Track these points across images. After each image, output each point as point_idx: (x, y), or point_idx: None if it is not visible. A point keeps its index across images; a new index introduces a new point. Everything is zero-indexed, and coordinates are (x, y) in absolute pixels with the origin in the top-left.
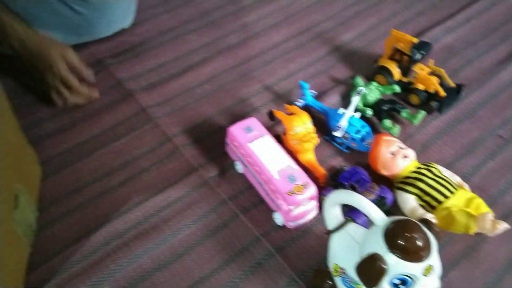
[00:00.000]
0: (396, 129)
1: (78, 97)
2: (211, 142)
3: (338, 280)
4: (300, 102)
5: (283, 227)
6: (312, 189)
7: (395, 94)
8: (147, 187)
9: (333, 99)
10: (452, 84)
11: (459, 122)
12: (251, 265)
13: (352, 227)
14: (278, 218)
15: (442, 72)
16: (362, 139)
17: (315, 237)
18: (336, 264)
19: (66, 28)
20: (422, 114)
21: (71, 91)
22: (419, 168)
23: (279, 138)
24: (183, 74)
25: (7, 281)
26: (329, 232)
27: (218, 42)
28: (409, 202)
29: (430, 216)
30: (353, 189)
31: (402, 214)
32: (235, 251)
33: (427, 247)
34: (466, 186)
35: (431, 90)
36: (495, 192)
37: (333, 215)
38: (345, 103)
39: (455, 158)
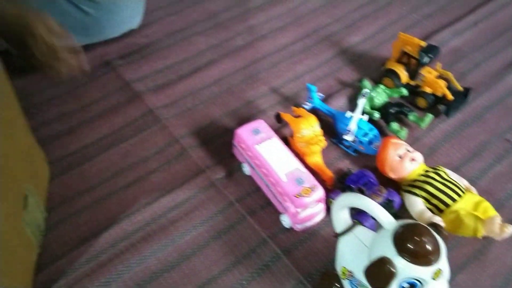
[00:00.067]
0: (404, 132)
1: (66, 66)
2: (218, 144)
3: (346, 283)
4: (308, 105)
5: (291, 230)
6: (320, 192)
7: (402, 97)
8: (155, 188)
9: (340, 102)
10: (459, 87)
11: (467, 126)
12: (259, 267)
13: (360, 230)
14: (286, 221)
15: (450, 75)
16: (370, 142)
17: (322, 240)
18: (344, 267)
19: (74, 29)
20: (429, 117)
21: (58, 61)
22: (426, 171)
23: (286, 141)
24: (190, 75)
25: (16, 281)
26: (337, 235)
27: (225, 44)
28: (417, 205)
29: (438, 220)
30: (361, 192)
31: (410, 217)
32: (243, 253)
33: (436, 251)
34: (473, 189)
35: (439, 94)
36: (502, 196)
37: (341, 218)
38: (352, 106)
39: (462, 161)
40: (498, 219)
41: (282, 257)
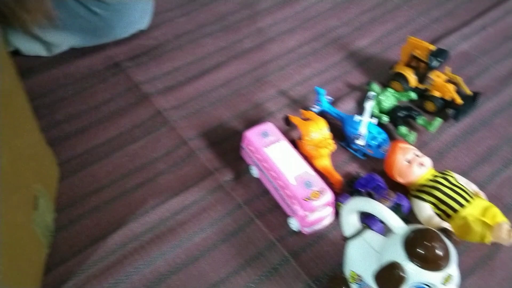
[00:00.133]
0: (412, 136)
1: (36, 15)
2: (227, 146)
3: (354, 287)
4: (316, 108)
5: (299, 233)
6: (329, 196)
7: (410, 100)
8: (163, 190)
9: (348, 105)
10: (468, 91)
11: (475, 130)
12: (267, 270)
13: (369, 234)
14: (294, 224)
15: (459, 79)
16: (378, 146)
17: (330, 243)
18: (353, 271)
19: (84, 30)
20: (438, 121)
21: (28, 11)
22: (435, 176)
23: (294, 143)
24: (198, 77)
25: (26, 282)
26: (346, 239)
27: (233, 46)
28: (425, 210)
29: (446, 225)
30: (370, 196)
31: (418, 222)
32: (251, 255)
33: (446, 256)
34: (482, 194)
35: (447, 98)
36: (510, 201)
37: (351, 222)
38: (361, 109)
39: (471, 166)
40: (506, 225)
41: (290, 260)
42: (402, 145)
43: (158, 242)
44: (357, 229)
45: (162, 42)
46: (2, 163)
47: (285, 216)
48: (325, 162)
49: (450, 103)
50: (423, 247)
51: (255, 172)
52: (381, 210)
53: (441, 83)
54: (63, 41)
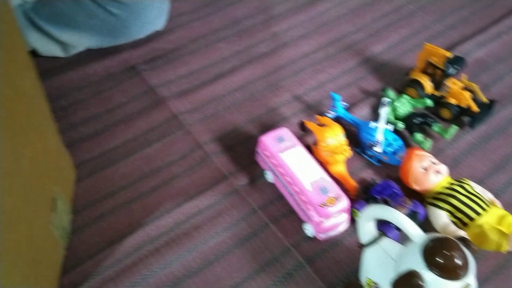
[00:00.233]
0: (428, 143)
1: None
2: (241, 150)
3: None
4: (331, 114)
5: (313, 239)
6: (344, 202)
7: (426, 107)
8: (178, 193)
9: (363, 111)
10: (484, 99)
11: (491, 138)
12: (281, 276)
13: (386, 242)
14: (309, 229)
15: (475, 87)
16: (394, 153)
17: (345, 250)
18: (369, 279)
19: (100, 30)
20: (454, 128)
21: None
22: (451, 184)
23: (309, 149)
24: (213, 81)
25: (43, 283)
26: (362, 246)
27: (248, 51)
28: (441, 218)
29: (462, 233)
30: (386, 203)
31: (434, 229)
32: (265, 260)
33: (465, 265)
34: (497, 202)
35: (463, 105)
36: None
37: (367, 229)
38: (376, 116)
39: (487, 174)
40: None
41: (305, 266)
42: (419, 152)
43: (173, 245)
44: (374, 237)
45: (178, 46)
46: (24, 166)
47: (300, 221)
48: (340, 168)
49: (466, 111)
50: (442, 256)
51: (269, 177)
52: (400, 218)
53: (457, 91)
54: (79, 42)
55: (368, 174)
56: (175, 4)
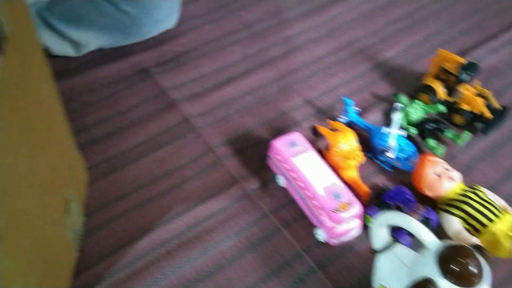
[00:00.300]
0: (441, 149)
1: None
2: (253, 154)
3: None
4: (343, 119)
5: (325, 243)
6: (357, 208)
7: (438, 113)
8: (190, 196)
9: (375, 116)
10: (497, 105)
11: (504, 145)
12: (293, 281)
13: (399, 248)
14: (321, 234)
15: (488, 93)
16: (407, 158)
17: (357, 255)
18: (382, 285)
19: (113, 29)
20: (467, 134)
21: None
22: (464, 190)
23: (321, 154)
24: (225, 85)
25: (57, 284)
26: (375, 252)
27: (260, 54)
28: (454, 225)
29: (475, 240)
30: (399, 209)
31: (446, 235)
32: (277, 265)
33: (480, 273)
34: (510, 209)
35: (476, 111)
36: None
37: (381, 235)
38: (388, 121)
39: (499, 180)
40: None
41: (317, 271)
42: (432, 158)
43: (185, 248)
44: (387, 243)
45: (189, 48)
46: (39, 168)
47: (312, 226)
48: (352, 174)
49: (479, 117)
50: (457, 264)
51: (281, 181)
52: (415, 225)
53: (470, 97)
54: (91, 40)
55: (380, 180)
56: (187, 7)
